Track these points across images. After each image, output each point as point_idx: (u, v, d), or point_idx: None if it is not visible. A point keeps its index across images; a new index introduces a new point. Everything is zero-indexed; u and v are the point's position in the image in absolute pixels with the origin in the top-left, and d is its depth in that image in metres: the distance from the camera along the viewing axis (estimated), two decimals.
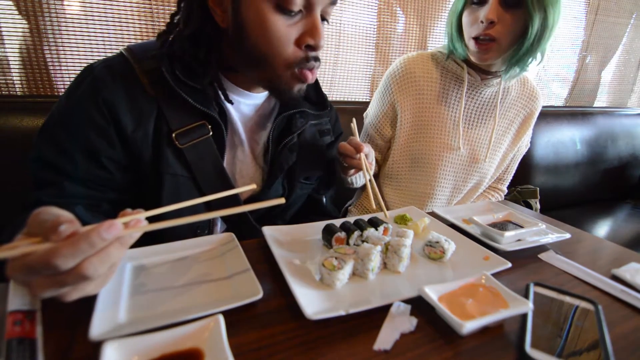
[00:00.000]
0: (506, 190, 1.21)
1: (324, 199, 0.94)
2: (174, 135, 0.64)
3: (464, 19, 0.91)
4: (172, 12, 0.66)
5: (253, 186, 0.55)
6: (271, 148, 0.75)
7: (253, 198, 0.76)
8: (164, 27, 0.67)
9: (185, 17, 0.63)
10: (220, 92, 0.68)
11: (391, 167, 1.11)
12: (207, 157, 0.67)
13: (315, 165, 0.85)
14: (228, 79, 0.70)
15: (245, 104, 0.73)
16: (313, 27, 0.60)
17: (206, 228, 0.73)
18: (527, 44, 0.85)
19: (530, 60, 0.91)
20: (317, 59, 0.64)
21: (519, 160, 1.17)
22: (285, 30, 0.59)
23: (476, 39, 0.88)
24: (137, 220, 0.40)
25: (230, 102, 0.70)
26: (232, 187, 0.71)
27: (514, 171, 1.18)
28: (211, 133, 0.67)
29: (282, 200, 0.48)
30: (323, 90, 0.87)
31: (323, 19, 0.64)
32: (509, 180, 1.20)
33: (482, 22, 0.85)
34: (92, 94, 0.61)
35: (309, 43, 0.61)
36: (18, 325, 0.39)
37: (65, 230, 0.35)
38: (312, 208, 0.93)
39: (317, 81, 0.83)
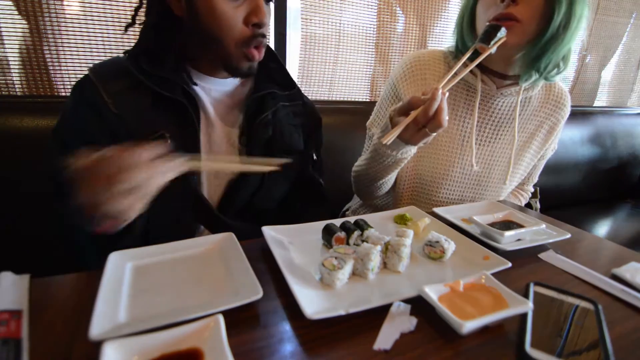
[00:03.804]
0: (532, 189, 1.13)
1: (322, 182, 0.94)
2: None
3: (478, 8, 0.81)
4: (136, 5, 0.74)
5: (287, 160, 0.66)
6: (246, 128, 0.78)
7: (232, 187, 0.77)
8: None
9: (146, 9, 0.72)
10: (186, 77, 0.72)
11: (394, 183, 0.99)
12: None
13: (292, 138, 0.86)
14: (193, 67, 0.75)
15: (214, 90, 0.77)
16: (256, 7, 0.67)
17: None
18: (552, 30, 0.75)
19: (550, 61, 0.81)
20: (263, 35, 0.71)
21: (544, 164, 1.08)
22: (232, 12, 0.67)
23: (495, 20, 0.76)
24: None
25: (195, 84, 0.74)
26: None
27: (538, 173, 1.10)
28: (169, 141, 0.69)
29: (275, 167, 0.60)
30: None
31: (268, 0, 0.71)
32: (534, 182, 1.12)
33: (501, 1, 0.75)
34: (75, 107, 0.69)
35: (254, 21, 0.68)
36: (3, 326, 0.39)
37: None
38: (310, 193, 0.94)
39: (282, 65, 0.86)
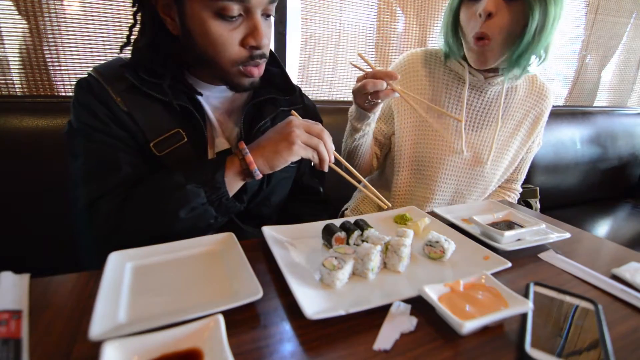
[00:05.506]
0: (521, 189, 1.18)
1: (321, 189, 0.94)
2: (151, 145, 0.68)
3: (461, 17, 0.88)
4: (129, 24, 0.71)
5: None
6: (244, 134, 0.77)
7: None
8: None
9: (141, 27, 0.69)
10: (187, 86, 0.71)
11: (391, 170, 1.08)
12: (187, 161, 0.70)
13: None
14: (192, 75, 0.74)
15: (213, 97, 0.76)
16: (254, 29, 0.64)
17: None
18: (528, 37, 0.81)
19: (531, 57, 0.87)
20: (262, 56, 0.68)
21: (531, 159, 1.13)
22: (227, 34, 0.63)
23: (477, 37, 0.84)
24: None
25: (200, 93, 0.72)
26: None
27: (526, 170, 1.15)
28: (186, 139, 0.69)
29: None
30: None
31: (267, 15, 0.67)
32: (522, 180, 1.17)
33: (479, 15, 0.81)
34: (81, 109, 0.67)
35: (251, 44, 0.65)
36: (3, 326, 0.39)
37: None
38: (310, 200, 0.94)
39: (283, 70, 0.84)
